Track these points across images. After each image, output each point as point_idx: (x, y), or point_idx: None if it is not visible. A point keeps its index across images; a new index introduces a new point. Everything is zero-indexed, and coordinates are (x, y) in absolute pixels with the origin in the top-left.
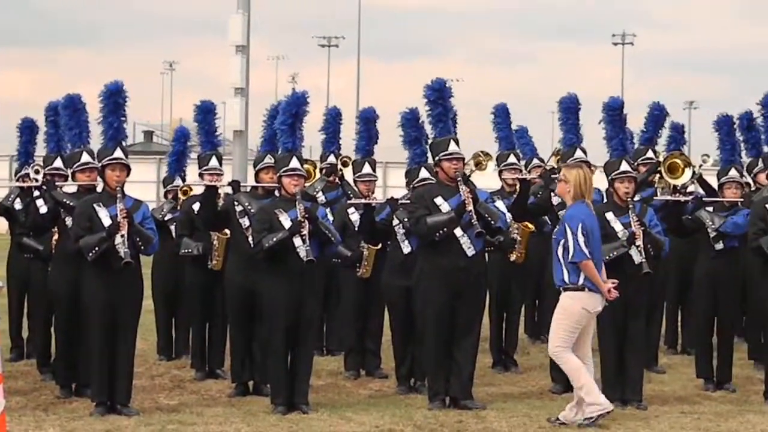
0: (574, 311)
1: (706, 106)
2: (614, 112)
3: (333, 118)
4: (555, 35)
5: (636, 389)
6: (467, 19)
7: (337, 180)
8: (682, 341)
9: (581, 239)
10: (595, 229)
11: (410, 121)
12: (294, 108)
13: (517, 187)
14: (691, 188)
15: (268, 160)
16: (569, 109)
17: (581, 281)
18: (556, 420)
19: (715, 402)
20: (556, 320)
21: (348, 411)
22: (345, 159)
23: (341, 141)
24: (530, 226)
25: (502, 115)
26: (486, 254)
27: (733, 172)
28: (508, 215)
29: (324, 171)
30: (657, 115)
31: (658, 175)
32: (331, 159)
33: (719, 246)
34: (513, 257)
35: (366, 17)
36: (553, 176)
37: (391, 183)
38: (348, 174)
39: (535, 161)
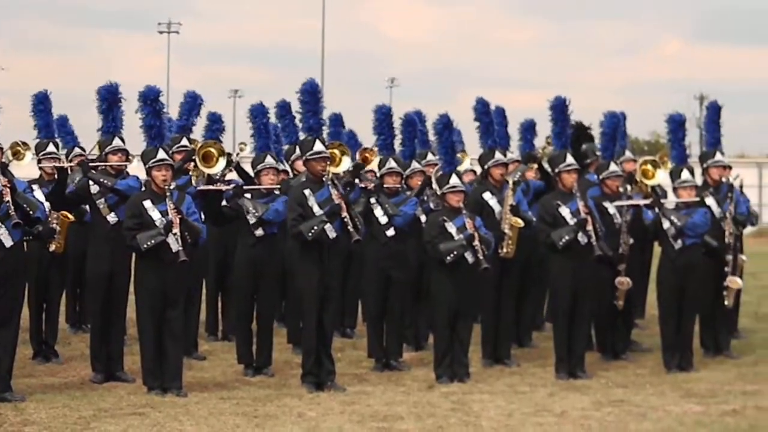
0: None
1: (251, 94)
2: (151, 101)
3: None
4: (102, 23)
5: (176, 376)
6: (10, 6)
7: None
8: (222, 327)
9: None
10: None
11: None
12: None
13: (56, 175)
14: (230, 176)
15: None
16: (108, 98)
17: None
18: None
19: (255, 387)
20: None
21: None
22: None
23: None
24: (69, 215)
25: (42, 103)
26: (24, 244)
27: (268, 159)
28: (47, 204)
29: None
30: (191, 102)
31: (193, 164)
32: None
33: (259, 232)
34: (52, 247)
35: None
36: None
37: None
38: None
39: (77, 150)
